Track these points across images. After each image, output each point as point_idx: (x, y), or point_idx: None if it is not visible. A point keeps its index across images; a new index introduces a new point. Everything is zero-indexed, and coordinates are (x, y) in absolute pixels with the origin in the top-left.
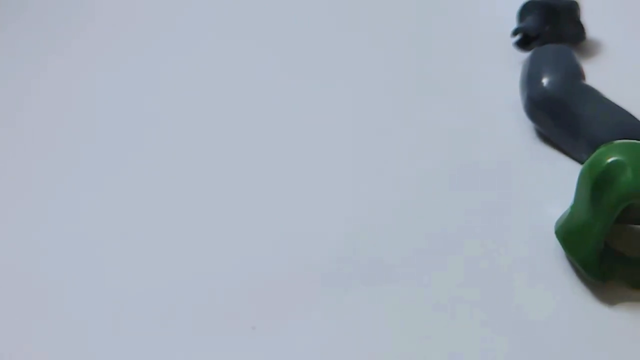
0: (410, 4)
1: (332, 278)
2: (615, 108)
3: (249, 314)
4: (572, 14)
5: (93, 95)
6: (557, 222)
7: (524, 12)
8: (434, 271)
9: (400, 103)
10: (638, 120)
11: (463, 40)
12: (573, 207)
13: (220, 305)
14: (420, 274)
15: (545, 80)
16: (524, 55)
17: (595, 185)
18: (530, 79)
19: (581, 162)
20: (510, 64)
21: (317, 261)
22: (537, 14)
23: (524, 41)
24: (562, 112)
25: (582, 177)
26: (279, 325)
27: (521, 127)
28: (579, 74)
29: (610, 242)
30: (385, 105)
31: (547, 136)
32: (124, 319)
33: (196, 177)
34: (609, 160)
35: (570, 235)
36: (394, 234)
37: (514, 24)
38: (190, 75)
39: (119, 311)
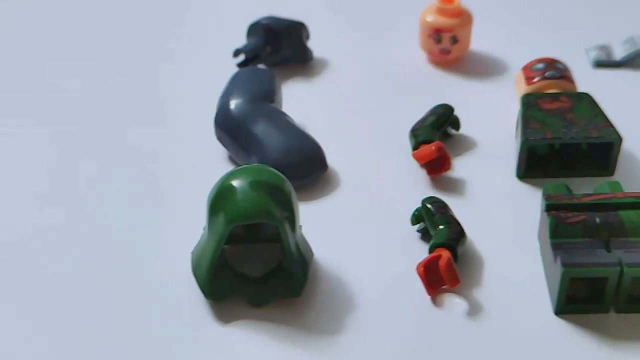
0: (141, 19)
1: None
2: (292, 130)
3: None
4: (295, 35)
5: None
6: None
7: (248, 34)
8: (91, 287)
9: (107, 123)
10: (311, 141)
11: (190, 69)
12: (204, 229)
13: None
14: (76, 289)
15: (229, 102)
16: None
17: (212, 209)
18: (219, 101)
19: None
20: None
21: None
22: (258, 35)
23: (245, 62)
24: (239, 133)
25: (207, 201)
26: None
27: (215, 147)
28: (267, 97)
29: (232, 261)
30: (90, 126)
31: (232, 156)
32: None
33: None
34: (226, 184)
35: (195, 256)
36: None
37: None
38: None
39: None
